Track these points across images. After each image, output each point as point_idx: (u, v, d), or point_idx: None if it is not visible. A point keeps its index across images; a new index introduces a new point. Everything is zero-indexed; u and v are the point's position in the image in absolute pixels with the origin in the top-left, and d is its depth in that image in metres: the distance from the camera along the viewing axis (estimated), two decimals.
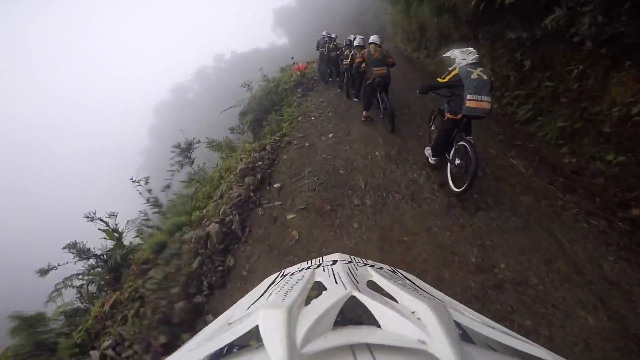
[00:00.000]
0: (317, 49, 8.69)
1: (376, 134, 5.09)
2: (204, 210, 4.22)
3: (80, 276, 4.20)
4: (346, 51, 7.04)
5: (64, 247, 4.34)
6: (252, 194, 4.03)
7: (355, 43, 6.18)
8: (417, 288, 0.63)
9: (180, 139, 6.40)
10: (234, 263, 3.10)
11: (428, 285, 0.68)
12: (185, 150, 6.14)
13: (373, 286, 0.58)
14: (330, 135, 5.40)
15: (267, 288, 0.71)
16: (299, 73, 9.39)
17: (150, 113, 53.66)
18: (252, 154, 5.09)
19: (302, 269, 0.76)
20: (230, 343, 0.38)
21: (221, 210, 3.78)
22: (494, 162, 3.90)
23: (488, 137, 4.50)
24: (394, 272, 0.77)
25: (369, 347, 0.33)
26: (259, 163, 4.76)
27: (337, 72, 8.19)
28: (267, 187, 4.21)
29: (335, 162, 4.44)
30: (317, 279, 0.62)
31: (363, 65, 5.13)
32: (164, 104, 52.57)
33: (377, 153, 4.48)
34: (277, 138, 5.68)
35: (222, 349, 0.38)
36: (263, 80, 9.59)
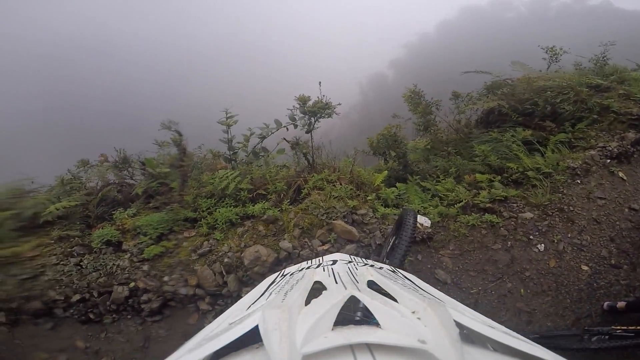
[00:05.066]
0: None
1: None
2: None
3: None
4: None
5: None
6: None
7: None
8: (417, 288, 0.63)
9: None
10: None
11: (428, 285, 0.68)
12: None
13: (373, 286, 0.58)
14: None
15: (267, 288, 0.71)
16: None
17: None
18: None
19: (302, 269, 0.76)
20: (230, 343, 0.38)
21: None
22: None
23: None
24: (394, 271, 0.77)
25: (369, 347, 0.33)
26: None
27: None
28: None
29: None
30: (317, 278, 0.62)
31: None
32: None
33: None
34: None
35: (222, 348, 0.38)
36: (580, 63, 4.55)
